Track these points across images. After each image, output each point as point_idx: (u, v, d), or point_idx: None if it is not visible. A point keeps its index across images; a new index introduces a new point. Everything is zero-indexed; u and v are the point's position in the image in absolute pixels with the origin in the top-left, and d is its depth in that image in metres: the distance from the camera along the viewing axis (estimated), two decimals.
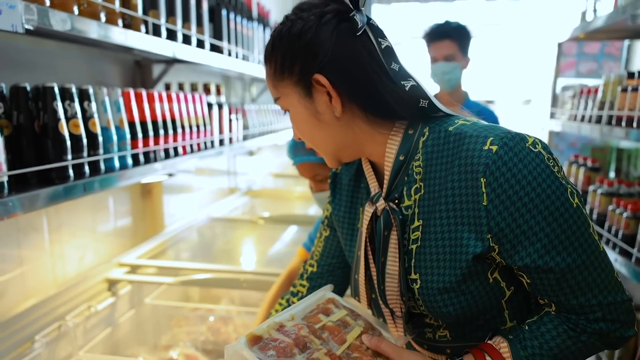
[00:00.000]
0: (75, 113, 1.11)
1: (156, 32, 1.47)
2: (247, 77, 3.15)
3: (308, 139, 0.81)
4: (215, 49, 1.92)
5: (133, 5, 1.33)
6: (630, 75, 1.90)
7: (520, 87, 4.89)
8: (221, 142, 2.02)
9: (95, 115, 1.18)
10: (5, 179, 0.92)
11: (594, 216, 2.05)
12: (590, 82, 2.80)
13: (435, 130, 0.74)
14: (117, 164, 1.29)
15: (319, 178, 1.36)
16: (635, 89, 1.76)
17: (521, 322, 0.77)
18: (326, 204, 1.01)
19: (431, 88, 1.03)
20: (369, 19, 0.74)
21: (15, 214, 0.93)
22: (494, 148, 0.65)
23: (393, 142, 0.77)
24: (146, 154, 1.45)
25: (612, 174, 2.90)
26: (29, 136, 1.04)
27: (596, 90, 2.20)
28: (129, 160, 1.35)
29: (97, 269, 1.61)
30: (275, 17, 3.04)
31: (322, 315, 0.79)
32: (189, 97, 1.73)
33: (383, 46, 0.73)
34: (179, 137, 1.63)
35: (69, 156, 1.09)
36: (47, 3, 1.02)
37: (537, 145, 0.67)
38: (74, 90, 1.11)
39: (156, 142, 1.49)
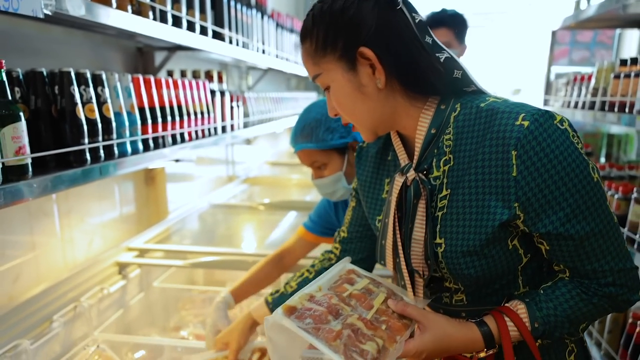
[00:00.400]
0: (91, 98, 1.13)
1: (163, 19, 1.49)
2: (243, 66, 3.17)
3: (349, 113, 0.83)
4: (216, 36, 1.93)
5: None
6: (623, 62, 1.96)
7: (510, 76, 4.95)
8: (223, 129, 2.05)
9: (109, 101, 1.21)
10: (29, 160, 0.95)
11: None
12: (583, 69, 2.86)
13: (467, 106, 0.79)
14: (129, 148, 1.31)
15: (317, 165, 1.40)
16: (627, 76, 1.82)
17: (533, 289, 0.83)
18: (354, 178, 1.05)
19: None
20: None
21: (39, 196, 0.96)
22: (526, 123, 0.71)
23: (425, 116, 0.81)
24: (155, 140, 1.47)
25: (602, 159, 2.99)
26: (46, 120, 1.07)
27: (589, 78, 2.27)
28: (140, 145, 1.38)
29: (107, 253, 1.64)
30: (272, 5, 3.05)
31: (347, 284, 0.84)
32: (194, 84, 1.75)
33: (417, 20, 0.78)
34: (185, 124, 1.66)
35: (86, 140, 1.12)
36: None
37: (563, 123, 0.72)
38: (88, 75, 1.13)
39: (164, 128, 1.52)
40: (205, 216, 2.44)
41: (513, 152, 0.71)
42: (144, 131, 1.40)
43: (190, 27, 1.68)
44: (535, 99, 3.36)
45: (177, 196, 2.29)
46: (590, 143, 2.96)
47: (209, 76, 2.07)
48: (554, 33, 3.01)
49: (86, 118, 1.12)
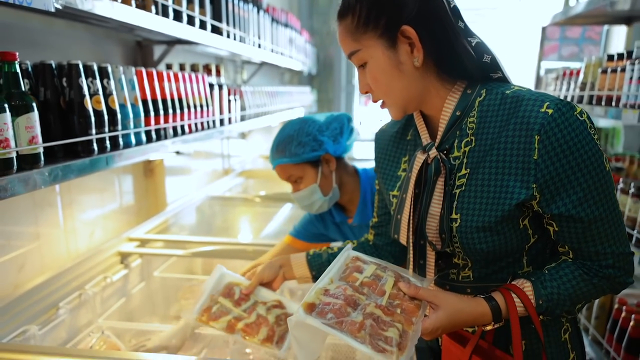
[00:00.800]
0: (97, 90, 1.16)
1: (164, 13, 1.51)
2: (238, 60, 3.19)
3: (384, 90, 0.87)
4: (214, 30, 1.96)
5: None
6: (610, 57, 2.03)
7: None
8: (221, 122, 2.08)
9: (114, 93, 1.23)
10: (41, 150, 0.98)
11: None
12: (572, 65, 2.93)
13: (492, 92, 0.85)
14: (133, 139, 1.34)
15: (293, 179, 1.48)
16: (614, 71, 1.89)
17: (535, 269, 0.89)
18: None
19: None
20: None
21: (50, 184, 0.99)
22: (550, 111, 0.77)
23: (452, 98, 0.87)
24: (157, 131, 1.50)
25: None
26: (55, 112, 1.09)
27: (578, 72, 2.33)
28: (143, 137, 1.41)
29: (109, 243, 1.67)
30: (268, 0, 3.07)
31: (356, 273, 0.88)
32: (193, 77, 1.78)
33: (452, 5, 0.83)
34: (185, 116, 1.69)
35: (93, 131, 1.15)
36: None
37: (583, 115, 0.78)
38: (95, 68, 1.16)
39: (165, 120, 1.55)
40: (202, 208, 2.47)
41: (536, 136, 0.77)
42: (147, 123, 1.43)
43: (190, 21, 1.71)
44: None
45: (175, 188, 2.32)
46: None
47: (207, 70, 2.10)
48: (543, 29, 3.08)
49: (93, 109, 1.14)
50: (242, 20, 2.29)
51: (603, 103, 1.96)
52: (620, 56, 1.97)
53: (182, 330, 1.36)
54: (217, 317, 1.09)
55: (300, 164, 1.45)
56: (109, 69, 1.22)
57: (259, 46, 2.63)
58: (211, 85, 1.97)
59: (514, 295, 0.84)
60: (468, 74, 0.86)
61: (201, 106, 1.83)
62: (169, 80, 1.57)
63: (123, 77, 1.30)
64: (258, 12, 2.60)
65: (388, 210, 1.12)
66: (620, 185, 1.85)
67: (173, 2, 1.58)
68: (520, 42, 4.74)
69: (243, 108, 2.44)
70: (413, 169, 0.91)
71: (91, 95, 1.14)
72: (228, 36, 2.09)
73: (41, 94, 1.08)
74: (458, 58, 0.83)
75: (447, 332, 0.85)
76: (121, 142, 1.28)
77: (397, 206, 0.96)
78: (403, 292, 0.85)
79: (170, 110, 1.57)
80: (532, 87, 3.17)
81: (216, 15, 1.98)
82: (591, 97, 2.11)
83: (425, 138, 0.92)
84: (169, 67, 2.03)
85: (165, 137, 1.54)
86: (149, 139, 1.45)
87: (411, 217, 0.91)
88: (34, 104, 0.95)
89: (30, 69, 1.07)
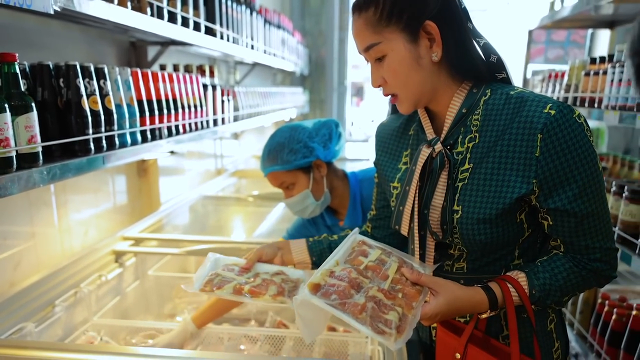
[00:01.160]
0: (94, 90, 1.18)
1: (159, 14, 1.54)
2: (231, 61, 3.21)
3: (401, 82, 0.90)
4: (208, 31, 1.98)
5: None
6: (593, 60, 2.09)
7: None
8: (215, 123, 2.10)
9: (111, 93, 1.26)
10: (40, 149, 1.00)
11: None
12: (557, 67, 3.00)
13: (497, 92, 0.90)
14: (128, 139, 1.36)
15: (285, 185, 1.52)
16: (597, 73, 1.95)
17: (526, 261, 0.95)
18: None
19: None
20: None
21: (49, 183, 1.01)
22: (553, 112, 0.83)
23: (459, 96, 0.91)
24: (152, 131, 1.52)
25: None
26: (52, 112, 1.11)
27: (563, 75, 2.39)
28: (138, 137, 1.43)
29: (104, 242, 1.69)
30: (260, 1, 3.10)
31: (361, 257, 0.92)
32: (187, 78, 1.80)
33: (462, 6, 0.89)
34: (180, 117, 1.71)
35: (90, 130, 1.17)
36: None
37: (580, 118, 0.84)
38: (92, 69, 1.18)
39: (160, 120, 1.57)
40: (196, 207, 2.49)
41: (539, 135, 0.83)
42: (142, 123, 1.45)
43: (185, 22, 1.73)
44: None
45: (169, 188, 2.34)
46: None
47: (200, 70, 2.12)
48: (530, 32, 3.14)
49: (90, 109, 1.17)
50: (235, 22, 2.32)
51: (586, 104, 2.02)
52: (603, 59, 2.03)
53: (182, 333, 1.38)
54: (221, 285, 1.02)
55: (292, 171, 1.48)
56: (106, 70, 1.24)
57: (252, 47, 2.66)
58: (205, 86, 1.99)
59: (509, 285, 0.89)
60: (476, 73, 0.91)
61: (195, 107, 1.85)
62: (164, 80, 1.59)
63: (119, 77, 1.32)
64: (251, 13, 2.63)
65: (386, 204, 1.15)
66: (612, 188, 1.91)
67: (168, 4, 1.60)
68: (507, 45, 4.82)
69: (236, 108, 2.47)
70: (418, 162, 0.95)
71: (88, 96, 1.16)
72: (221, 37, 2.12)
73: (39, 94, 1.10)
74: (470, 57, 0.88)
75: (445, 319, 0.89)
76: (117, 142, 1.30)
77: (399, 198, 1.00)
78: (405, 277, 0.89)
79: (165, 111, 1.59)
80: None
81: (210, 17, 2.01)
82: (575, 98, 2.17)
83: (429, 133, 0.96)
84: (162, 67, 2.05)
85: (160, 137, 1.56)
86: (144, 139, 1.47)
87: (415, 209, 0.96)
88: (33, 104, 0.97)
89: (27, 69, 1.09)
